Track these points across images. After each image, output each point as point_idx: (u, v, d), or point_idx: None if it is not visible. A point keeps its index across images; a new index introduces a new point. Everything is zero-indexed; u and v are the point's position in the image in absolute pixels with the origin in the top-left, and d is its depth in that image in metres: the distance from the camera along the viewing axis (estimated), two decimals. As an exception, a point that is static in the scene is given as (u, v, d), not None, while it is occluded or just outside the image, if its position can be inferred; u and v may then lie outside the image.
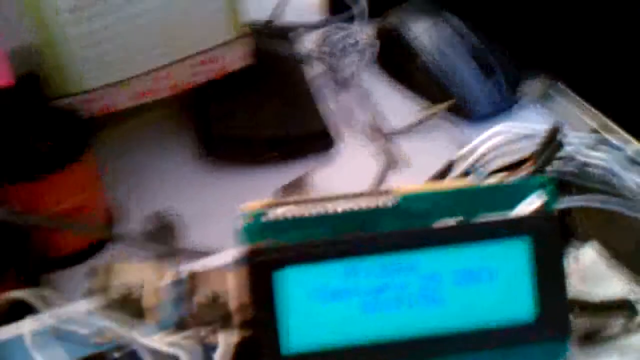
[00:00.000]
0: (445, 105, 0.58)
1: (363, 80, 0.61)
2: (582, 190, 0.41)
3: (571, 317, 0.33)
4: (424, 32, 0.61)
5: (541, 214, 0.32)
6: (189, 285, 0.35)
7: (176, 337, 0.33)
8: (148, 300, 0.36)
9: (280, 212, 0.31)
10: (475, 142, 0.39)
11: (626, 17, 0.54)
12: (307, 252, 0.31)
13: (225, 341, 0.33)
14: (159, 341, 0.32)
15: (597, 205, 0.40)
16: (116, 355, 0.33)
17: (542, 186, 0.32)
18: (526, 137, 0.40)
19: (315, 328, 0.31)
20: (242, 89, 0.55)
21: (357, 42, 0.62)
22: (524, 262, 0.31)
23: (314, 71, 0.61)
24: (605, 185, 0.40)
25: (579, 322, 0.34)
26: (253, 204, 0.32)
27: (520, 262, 0.31)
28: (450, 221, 0.32)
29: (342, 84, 0.61)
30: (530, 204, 0.32)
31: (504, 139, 0.39)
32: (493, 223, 0.32)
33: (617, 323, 0.33)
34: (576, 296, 0.34)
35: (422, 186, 0.32)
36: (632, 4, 0.52)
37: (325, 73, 0.61)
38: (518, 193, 0.32)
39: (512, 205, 0.32)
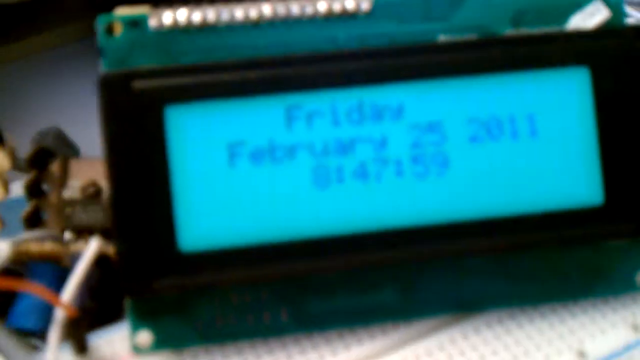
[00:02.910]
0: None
1: None
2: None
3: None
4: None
5: (607, 31, 0.19)
6: (57, 174, 0.23)
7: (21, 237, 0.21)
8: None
9: (170, 17, 0.19)
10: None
11: None
12: (224, 80, 0.18)
13: (96, 248, 0.20)
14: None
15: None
16: None
17: (606, -9, 0.20)
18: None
19: (237, 210, 0.18)
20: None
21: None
22: (582, 107, 0.19)
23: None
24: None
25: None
26: (124, 8, 0.19)
27: (575, 107, 0.19)
28: (463, 38, 0.19)
29: None
30: (587, 18, 0.20)
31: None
32: (532, 41, 0.19)
33: None
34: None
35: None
36: None
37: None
38: (569, 1, 0.20)
39: (561, 18, 0.20)
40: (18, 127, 0.39)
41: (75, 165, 0.24)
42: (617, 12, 0.20)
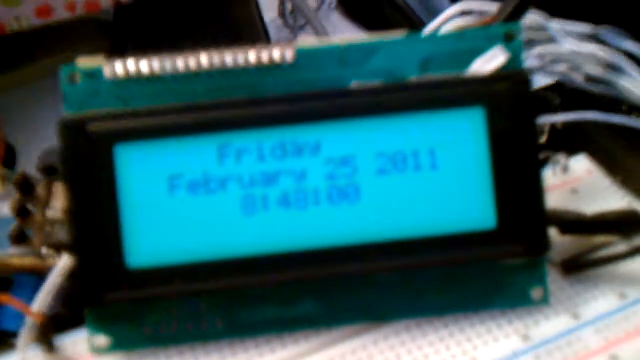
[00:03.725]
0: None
1: (324, 26, 0.52)
2: (576, 96, 0.32)
3: (556, 234, 0.23)
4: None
5: (502, 74, 0.22)
6: (42, 195, 0.26)
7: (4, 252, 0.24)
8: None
9: (121, 67, 0.22)
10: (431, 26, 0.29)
11: None
12: (164, 122, 0.21)
13: (64, 265, 0.23)
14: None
15: (599, 118, 0.31)
16: None
17: (507, 38, 0.23)
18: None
19: (176, 232, 0.21)
20: (173, 24, 0.46)
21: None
22: (478, 143, 0.22)
23: (267, 14, 0.52)
24: (608, 88, 0.31)
25: (567, 243, 0.24)
26: (84, 59, 0.22)
27: (471, 143, 0.22)
28: (373, 83, 0.22)
29: (300, 28, 0.52)
30: (488, 62, 0.22)
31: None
32: (433, 84, 0.22)
33: (617, 244, 0.23)
34: (563, 210, 0.24)
35: (334, 39, 0.23)
36: None
37: (279, 16, 0.52)
38: (472, 48, 0.23)
39: (464, 63, 0.23)
40: (30, 145, 0.43)
41: (59, 188, 0.27)
42: (514, 56, 0.22)
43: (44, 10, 0.42)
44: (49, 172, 0.29)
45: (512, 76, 0.22)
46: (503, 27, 0.23)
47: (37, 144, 0.42)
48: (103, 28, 0.49)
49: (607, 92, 0.31)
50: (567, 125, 0.36)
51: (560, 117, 0.32)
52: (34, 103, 0.46)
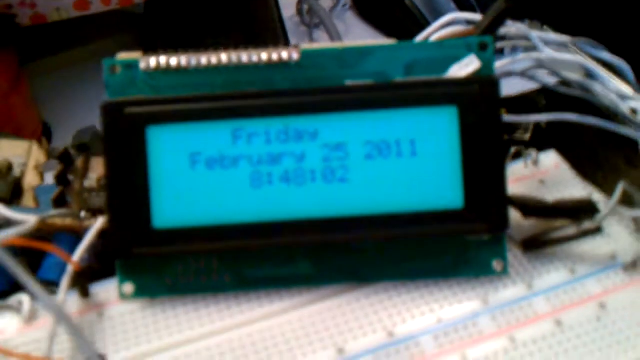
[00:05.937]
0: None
1: (338, 26, 0.56)
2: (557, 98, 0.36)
3: (520, 217, 0.27)
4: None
5: (474, 78, 0.26)
6: (80, 167, 0.30)
7: (49, 213, 0.28)
8: (29, 180, 0.32)
9: (154, 61, 0.26)
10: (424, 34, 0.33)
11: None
12: (189, 108, 0.26)
13: (99, 225, 0.27)
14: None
15: (575, 120, 0.35)
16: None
17: (481, 48, 0.27)
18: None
19: (195, 200, 0.25)
20: (198, 18, 0.50)
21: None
22: (451, 136, 0.26)
23: (286, 12, 0.56)
24: (584, 93, 0.34)
25: (528, 225, 0.28)
26: (124, 54, 0.26)
27: (445, 136, 0.26)
28: (365, 82, 0.26)
29: (316, 26, 0.56)
30: (463, 68, 0.26)
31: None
32: (415, 85, 0.26)
33: (571, 226, 0.27)
34: (527, 197, 0.28)
35: (334, 43, 0.27)
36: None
37: (297, 14, 0.56)
38: (451, 55, 0.27)
39: (443, 69, 0.27)
40: (64, 125, 0.48)
41: (94, 162, 0.32)
42: (487, 64, 0.26)
43: (82, 4, 0.47)
44: (82, 149, 0.34)
45: (482, 80, 0.26)
46: (478, 38, 0.27)
47: (70, 123, 0.47)
48: (134, 21, 0.53)
49: (583, 96, 0.35)
50: (553, 126, 0.40)
51: (541, 117, 0.36)
52: (68, 86, 0.50)
